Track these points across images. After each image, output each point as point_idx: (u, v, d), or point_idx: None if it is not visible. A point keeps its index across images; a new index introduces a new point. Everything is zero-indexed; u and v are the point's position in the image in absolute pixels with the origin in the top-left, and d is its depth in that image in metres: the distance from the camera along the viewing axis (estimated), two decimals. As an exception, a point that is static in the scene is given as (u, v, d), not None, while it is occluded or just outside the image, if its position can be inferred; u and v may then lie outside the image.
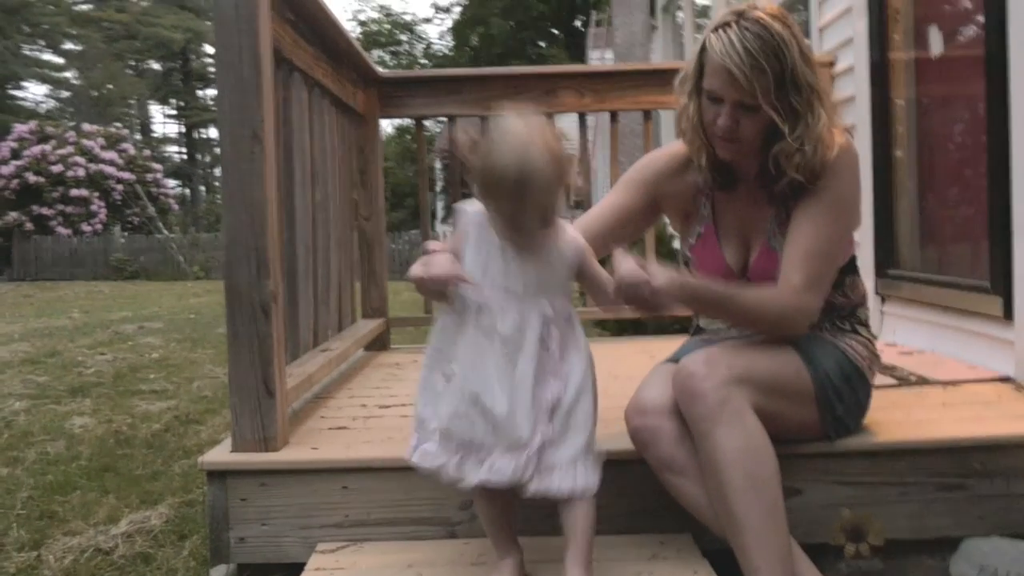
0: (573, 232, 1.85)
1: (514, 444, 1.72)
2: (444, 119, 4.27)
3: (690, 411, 1.90)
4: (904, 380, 2.91)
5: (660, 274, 1.87)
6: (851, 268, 2.22)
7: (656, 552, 2.05)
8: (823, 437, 2.16)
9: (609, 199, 2.35)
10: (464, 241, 1.80)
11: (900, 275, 3.73)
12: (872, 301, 3.78)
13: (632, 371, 2.39)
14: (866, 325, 2.26)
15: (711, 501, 1.93)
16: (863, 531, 2.14)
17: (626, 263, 1.85)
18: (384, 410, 2.76)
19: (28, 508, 3.06)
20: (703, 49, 1.99)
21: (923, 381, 2.89)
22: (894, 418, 2.41)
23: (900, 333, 3.70)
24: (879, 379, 2.84)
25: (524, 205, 1.67)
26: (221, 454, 2.25)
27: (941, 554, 2.20)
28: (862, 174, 3.86)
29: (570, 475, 1.74)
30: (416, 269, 1.77)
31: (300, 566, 2.06)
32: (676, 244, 3.48)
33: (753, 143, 2.03)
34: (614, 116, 4.21)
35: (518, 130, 1.68)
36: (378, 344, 4.05)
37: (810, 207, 2.05)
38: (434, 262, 1.75)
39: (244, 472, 2.21)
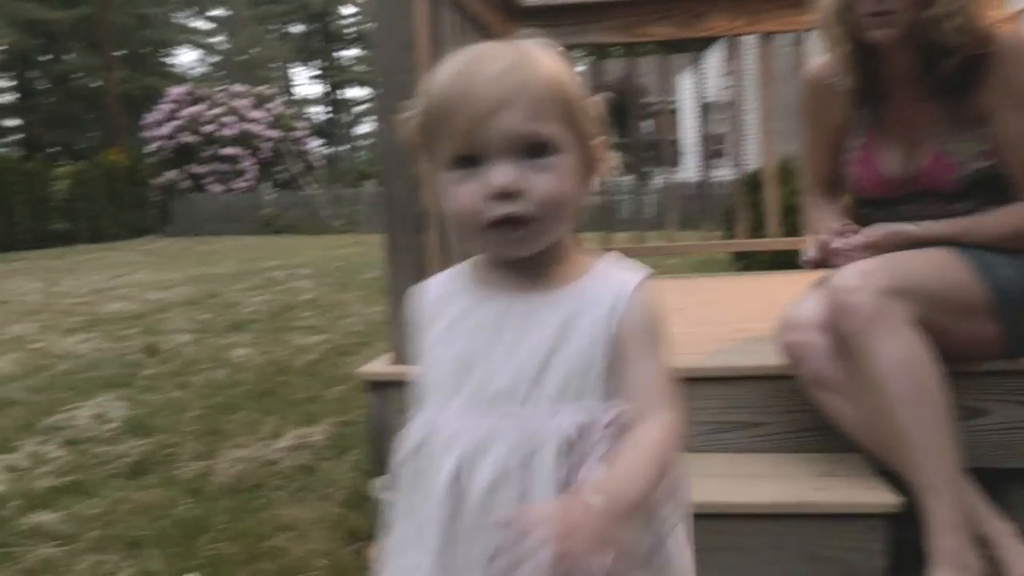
0: (625, 271, 1.05)
1: None
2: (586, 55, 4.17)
3: (844, 325, 1.79)
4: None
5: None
6: None
7: (829, 469, 1.96)
8: (1006, 354, 2.01)
9: (813, 134, 2.20)
10: (423, 332, 1.08)
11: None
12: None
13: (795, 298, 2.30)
14: None
15: (870, 419, 1.83)
16: (1059, 454, 1.99)
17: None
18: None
19: (198, 425, 3.25)
20: None
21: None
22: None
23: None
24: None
25: (466, 134, 0.95)
26: (380, 366, 2.30)
27: None
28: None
29: None
30: None
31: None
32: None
33: (906, 15, 1.83)
34: (767, 39, 4.03)
35: (464, 53, 1.00)
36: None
37: (1010, 101, 1.85)
38: None
39: (403, 383, 2.24)
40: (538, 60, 0.97)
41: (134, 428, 3.27)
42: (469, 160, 0.95)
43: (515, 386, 0.97)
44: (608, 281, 1.03)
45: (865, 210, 2.20)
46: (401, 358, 2.27)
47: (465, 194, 0.95)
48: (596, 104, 1.02)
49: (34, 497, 2.62)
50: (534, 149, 0.94)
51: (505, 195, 0.93)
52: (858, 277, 1.77)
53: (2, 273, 11.12)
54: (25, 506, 2.55)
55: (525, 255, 0.99)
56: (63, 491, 2.66)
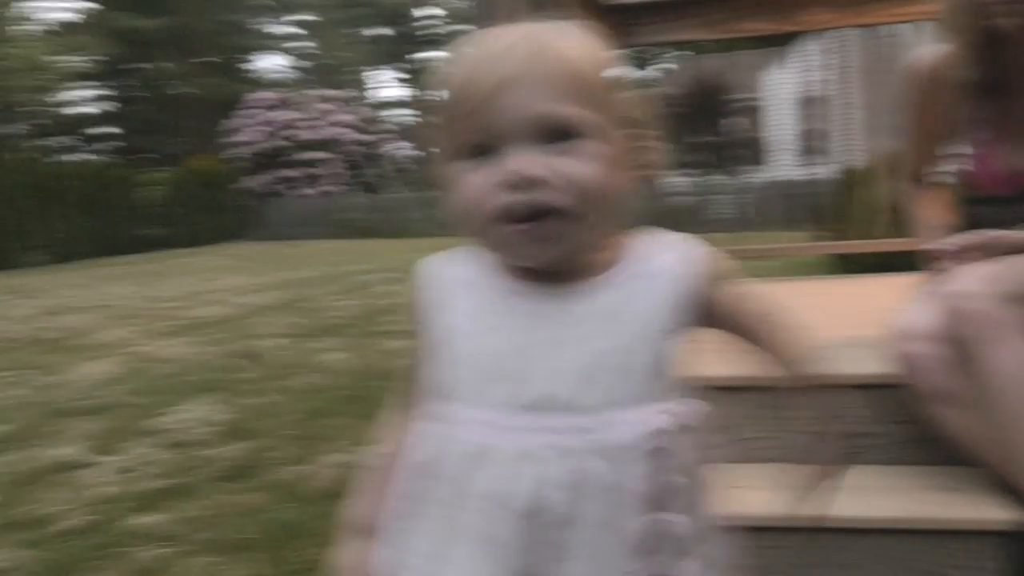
0: (681, 244, 0.93)
1: None
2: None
3: (961, 333, 1.74)
4: None
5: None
6: None
7: (940, 483, 1.90)
8: None
9: (918, 125, 2.18)
10: (431, 319, 0.93)
11: None
12: None
13: (898, 303, 2.24)
14: None
15: (990, 433, 1.78)
16: None
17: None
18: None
19: (295, 429, 3.34)
20: None
21: None
22: None
23: None
24: None
25: (486, 120, 0.82)
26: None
27: None
28: None
29: None
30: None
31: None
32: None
33: None
34: (867, 32, 3.94)
35: (472, 38, 0.89)
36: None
37: None
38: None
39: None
40: (554, 38, 0.86)
41: (233, 432, 3.38)
42: (483, 149, 0.83)
43: (557, 392, 0.84)
44: (665, 254, 0.90)
45: (979, 208, 2.14)
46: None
47: (475, 182, 0.83)
48: (628, 88, 0.90)
49: (142, 498, 2.74)
50: (556, 133, 0.82)
51: (525, 184, 0.80)
52: (976, 282, 1.72)
53: (100, 277, 11.58)
54: (134, 507, 2.66)
55: (548, 261, 0.86)
56: (169, 493, 2.77)
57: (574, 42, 0.86)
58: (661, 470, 0.84)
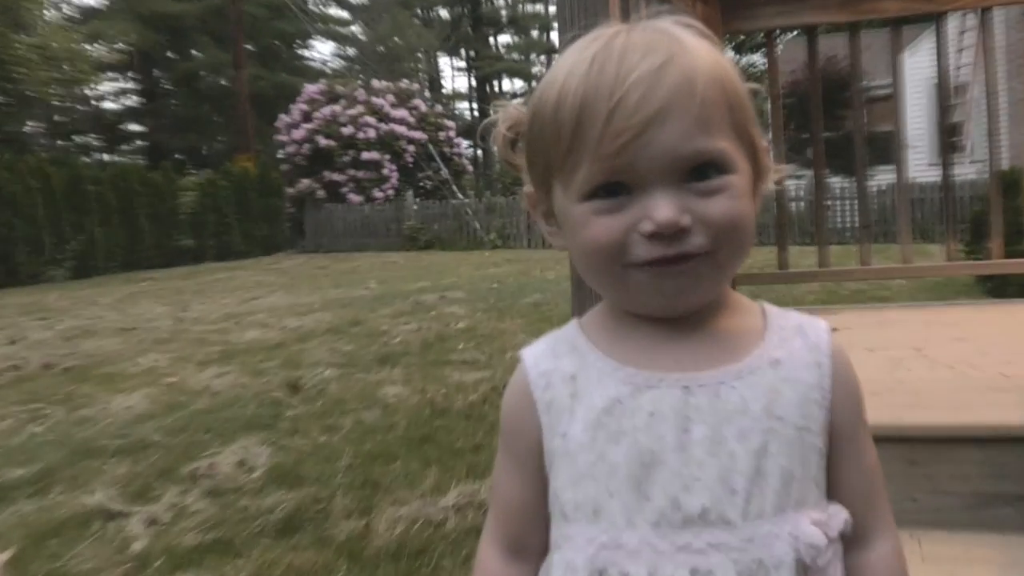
0: (808, 321, 0.93)
1: None
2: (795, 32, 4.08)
3: None
4: None
5: None
6: None
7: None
8: None
9: None
10: (547, 428, 0.90)
11: None
12: None
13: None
14: None
15: None
16: None
17: None
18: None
19: (350, 476, 3.37)
20: None
21: None
22: None
23: None
24: None
25: (609, 142, 0.80)
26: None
27: None
28: None
29: None
30: None
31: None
32: None
33: None
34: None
35: (597, 42, 0.84)
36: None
37: None
38: None
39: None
40: (698, 51, 0.83)
41: (280, 478, 3.42)
42: (617, 188, 0.82)
43: (723, 501, 0.82)
44: (795, 338, 0.89)
45: None
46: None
47: (611, 227, 0.82)
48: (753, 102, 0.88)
49: (178, 555, 2.78)
50: (702, 169, 0.81)
51: (675, 234, 0.80)
52: None
53: (128, 295, 11.89)
54: (169, 565, 2.71)
55: (691, 308, 0.86)
56: (208, 549, 2.81)
57: (713, 53, 0.85)
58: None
